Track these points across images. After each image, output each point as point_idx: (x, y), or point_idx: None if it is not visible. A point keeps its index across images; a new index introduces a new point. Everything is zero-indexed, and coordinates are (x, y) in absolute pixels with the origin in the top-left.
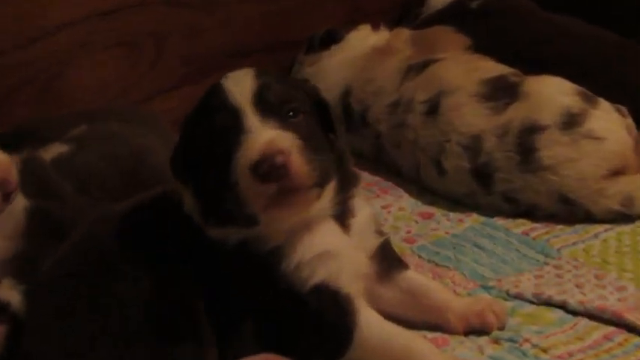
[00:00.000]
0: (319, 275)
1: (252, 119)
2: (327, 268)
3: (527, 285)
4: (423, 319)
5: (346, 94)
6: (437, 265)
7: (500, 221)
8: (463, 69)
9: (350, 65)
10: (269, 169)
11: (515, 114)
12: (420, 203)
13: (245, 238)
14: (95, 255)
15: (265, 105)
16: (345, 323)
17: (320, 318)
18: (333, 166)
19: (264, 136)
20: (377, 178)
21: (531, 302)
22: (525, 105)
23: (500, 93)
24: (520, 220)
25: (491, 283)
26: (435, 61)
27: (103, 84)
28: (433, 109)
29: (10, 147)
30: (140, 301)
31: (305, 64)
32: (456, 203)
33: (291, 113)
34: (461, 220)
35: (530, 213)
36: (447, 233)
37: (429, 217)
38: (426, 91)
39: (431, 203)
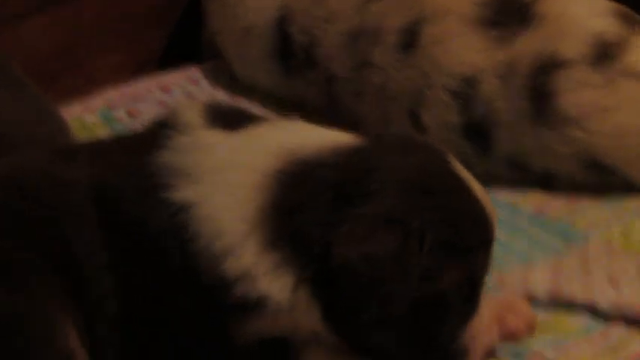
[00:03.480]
0: None
1: None
2: None
3: (540, 281)
4: None
5: (283, 19)
6: None
7: (503, 194)
8: None
9: None
10: None
11: (526, 46)
12: None
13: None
14: None
15: None
16: None
17: None
18: None
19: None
20: None
21: (546, 305)
22: (541, 33)
23: (506, 17)
24: (532, 193)
25: (490, 280)
26: None
27: None
28: (410, 41)
29: None
30: None
31: None
32: None
33: None
34: None
35: (547, 184)
36: None
37: None
38: (400, 15)
39: None
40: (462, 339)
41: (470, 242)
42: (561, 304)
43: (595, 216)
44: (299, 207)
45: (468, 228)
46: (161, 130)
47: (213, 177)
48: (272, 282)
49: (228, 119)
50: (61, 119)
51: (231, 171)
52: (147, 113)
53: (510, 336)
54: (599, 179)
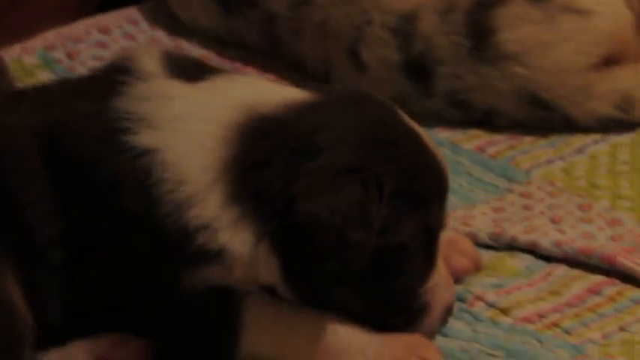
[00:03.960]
0: None
1: None
2: None
3: (481, 222)
4: None
5: None
6: None
7: (444, 133)
8: None
9: None
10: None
11: None
12: None
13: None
14: None
15: None
16: None
17: None
18: None
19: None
20: (269, 77)
21: (487, 246)
22: None
23: None
24: (473, 132)
25: None
26: None
27: None
28: None
29: None
30: None
31: None
32: None
33: None
34: None
35: (487, 121)
36: None
37: None
38: None
39: None
40: (422, 294)
41: (426, 192)
42: (503, 245)
43: (537, 154)
44: (260, 162)
45: (425, 178)
46: (117, 76)
47: (175, 125)
48: (233, 235)
49: (185, 69)
50: (0, 61)
51: (193, 121)
52: (86, 54)
53: (456, 275)
54: (539, 116)
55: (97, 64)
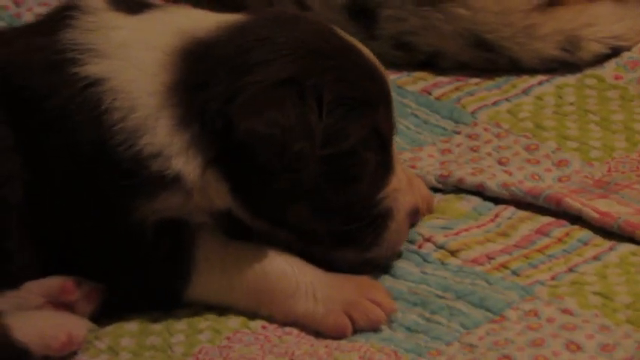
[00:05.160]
0: None
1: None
2: None
3: (428, 164)
4: None
5: None
6: None
7: (390, 77)
8: None
9: None
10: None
11: None
12: None
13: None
14: None
15: None
16: None
17: None
18: None
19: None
20: None
21: (435, 188)
22: None
23: None
24: (418, 74)
25: None
26: None
27: None
28: None
29: None
30: None
31: None
32: None
33: None
34: None
35: (433, 63)
36: None
37: None
38: None
39: None
40: (383, 200)
41: (369, 98)
42: (450, 187)
43: (482, 96)
44: (200, 84)
45: (365, 85)
46: (65, 13)
47: (121, 53)
48: (186, 161)
49: (127, 3)
50: None
51: (137, 48)
52: (32, 0)
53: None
54: (484, 57)
55: (43, 10)
